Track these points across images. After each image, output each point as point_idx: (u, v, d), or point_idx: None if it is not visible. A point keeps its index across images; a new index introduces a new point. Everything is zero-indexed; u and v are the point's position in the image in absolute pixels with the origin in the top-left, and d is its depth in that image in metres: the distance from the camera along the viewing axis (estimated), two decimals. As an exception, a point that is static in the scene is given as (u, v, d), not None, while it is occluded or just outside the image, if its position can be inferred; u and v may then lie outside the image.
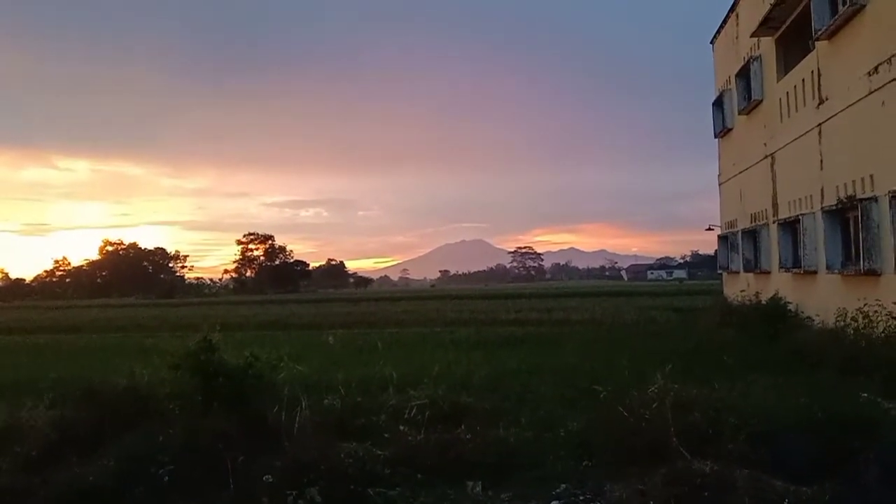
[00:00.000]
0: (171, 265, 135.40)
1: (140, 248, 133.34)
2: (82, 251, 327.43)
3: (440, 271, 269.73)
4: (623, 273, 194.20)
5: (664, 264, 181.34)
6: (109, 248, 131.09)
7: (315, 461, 6.51)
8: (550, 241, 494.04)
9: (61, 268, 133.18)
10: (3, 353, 18.48)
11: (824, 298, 15.78)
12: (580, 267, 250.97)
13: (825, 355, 11.06)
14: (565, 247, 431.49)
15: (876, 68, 13.07)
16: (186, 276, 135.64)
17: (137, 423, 7.21)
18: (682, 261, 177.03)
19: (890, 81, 12.62)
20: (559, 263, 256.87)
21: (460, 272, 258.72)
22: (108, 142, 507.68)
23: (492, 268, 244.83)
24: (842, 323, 12.92)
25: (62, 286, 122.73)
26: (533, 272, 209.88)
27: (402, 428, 7.49)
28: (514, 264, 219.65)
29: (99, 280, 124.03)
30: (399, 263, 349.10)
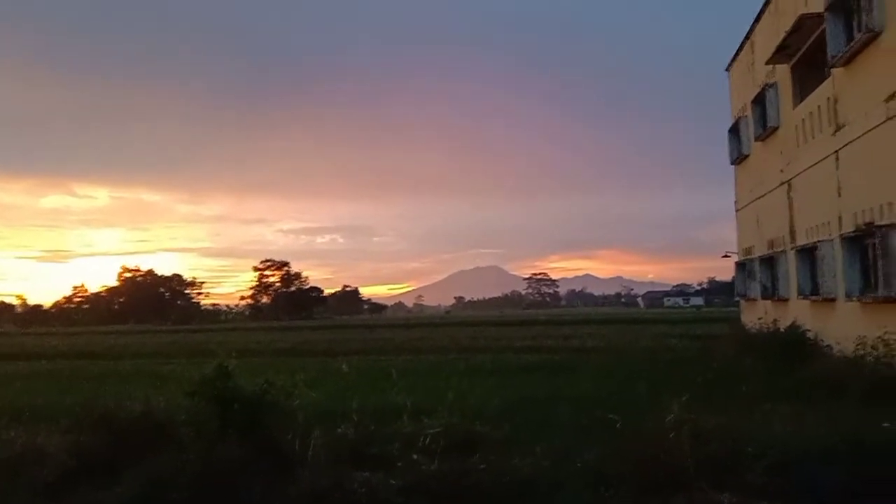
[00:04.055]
0: (187, 292, 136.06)
1: (157, 274, 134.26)
2: (100, 278, 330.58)
3: (455, 297, 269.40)
4: (639, 300, 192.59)
5: (681, 291, 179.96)
6: (127, 275, 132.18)
7: (328, 489, 6.50)
8: (566, 268, 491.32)
9: (79, 294, 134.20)
10: (21, 378, 18.53)
11: (843, 326, 15.58)
12: (596, 293, 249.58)
13: (845, 384, 10.89)
14: (581, 273, 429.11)
15: (893, 94, 13.03)
16: (203, 302, 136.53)
17: (154, 450, 7.22)
18: (699, 287, 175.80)
19: (906, 108, 12.59)
20: (575, 290, 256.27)
21: (475, 298, 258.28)
22: (126, 168, 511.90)
23: (507, 294, 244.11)
24: (861, 351, 12.75)
25: (80, 312, 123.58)
26: (548, 299, 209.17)
27: (415, 457, 7.44)
28: (530, 291, 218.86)
29: (116, 306, 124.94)
30: (414, 290, 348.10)
